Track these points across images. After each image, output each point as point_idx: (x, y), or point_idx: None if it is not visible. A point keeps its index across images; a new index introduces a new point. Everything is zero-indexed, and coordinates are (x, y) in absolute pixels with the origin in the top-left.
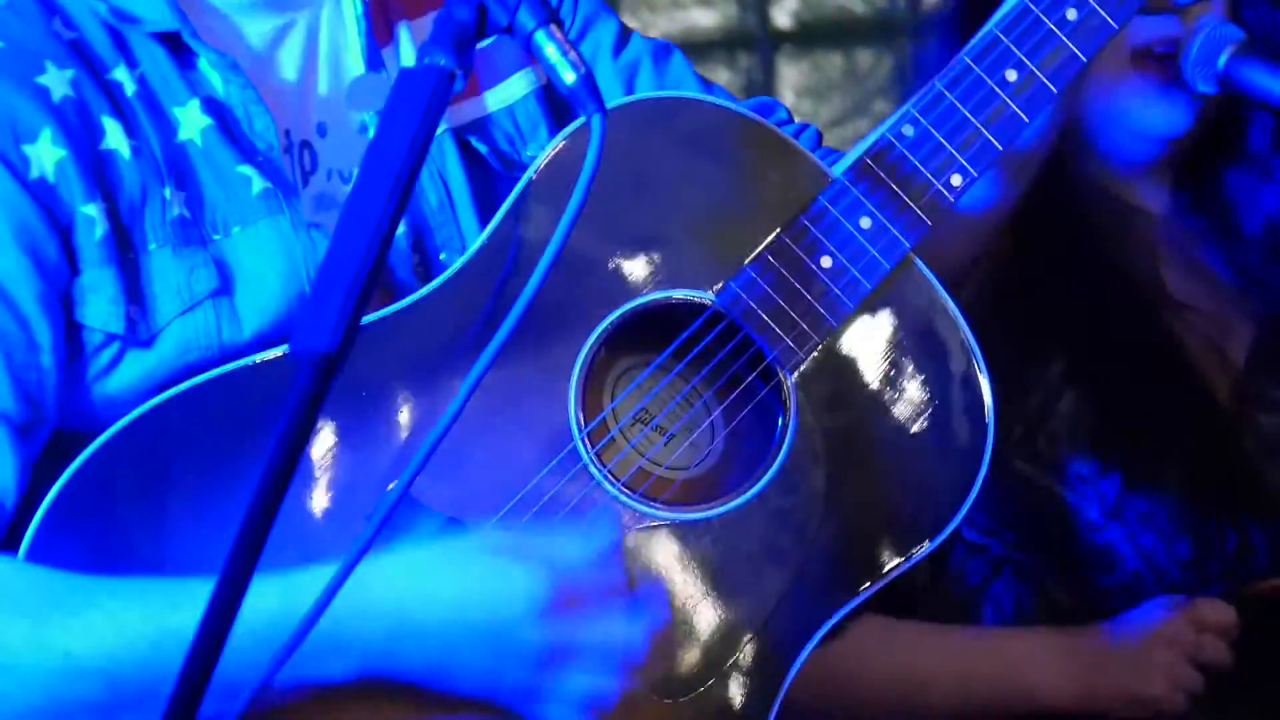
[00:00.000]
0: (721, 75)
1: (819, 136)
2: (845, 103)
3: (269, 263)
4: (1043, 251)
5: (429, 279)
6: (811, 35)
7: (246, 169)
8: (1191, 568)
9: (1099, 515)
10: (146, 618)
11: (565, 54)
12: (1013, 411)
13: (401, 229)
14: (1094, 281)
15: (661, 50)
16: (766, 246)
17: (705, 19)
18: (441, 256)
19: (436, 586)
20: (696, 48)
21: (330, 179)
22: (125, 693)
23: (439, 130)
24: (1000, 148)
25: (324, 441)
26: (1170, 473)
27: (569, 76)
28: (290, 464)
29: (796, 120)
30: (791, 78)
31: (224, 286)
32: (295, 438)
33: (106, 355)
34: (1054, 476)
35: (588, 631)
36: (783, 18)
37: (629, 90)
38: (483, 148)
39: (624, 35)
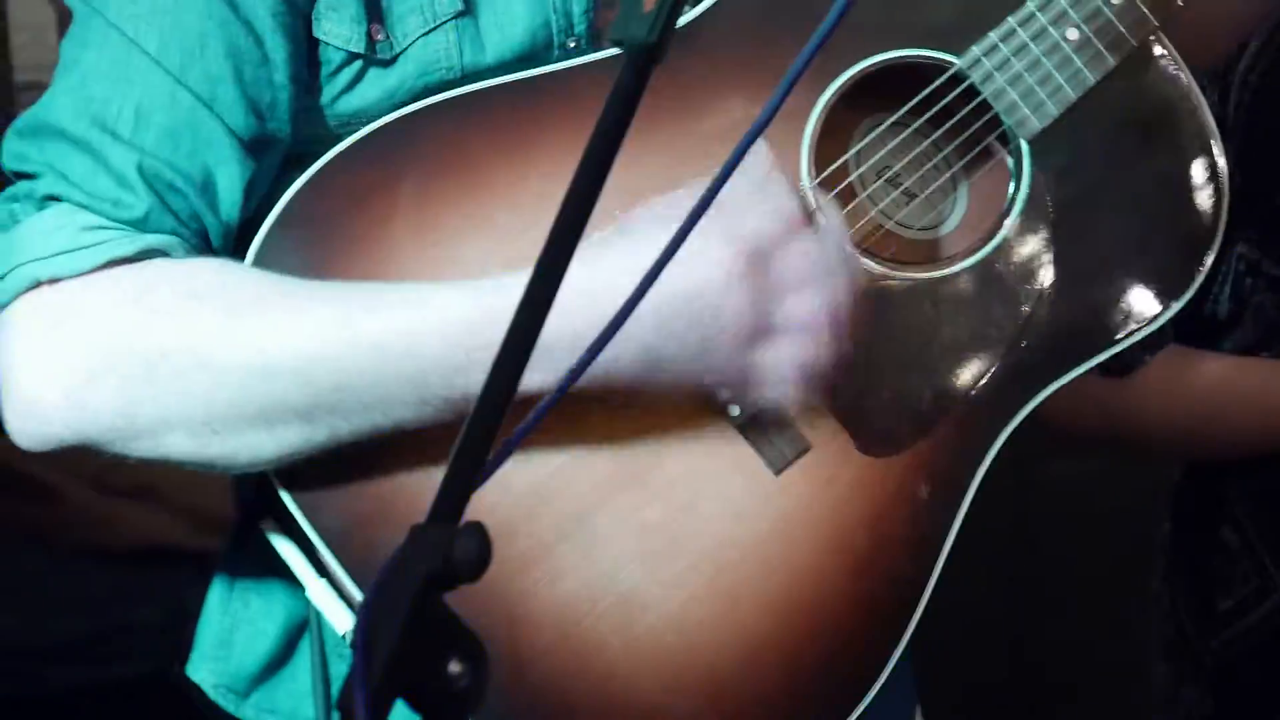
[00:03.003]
0: None
1: None
2: None
3: None
4: None
5: None
6: None
7: None
8: None
9: None
10: (342, 320)
11: None
12: None
13: None
14: None
15: None
16: (1013, 14)
17: None
18: None
19: (634, 266)
20: None
21: None
22: (320, 395)
23: None
24: None
25: None
26: None
27: None
28: (609, 157)
29: None
30: None
31: (468, 8)
32: (614, 130)
33: (347, 74)
34: None
35: (785, 282)
36: None
37: None
38: None
39: None
